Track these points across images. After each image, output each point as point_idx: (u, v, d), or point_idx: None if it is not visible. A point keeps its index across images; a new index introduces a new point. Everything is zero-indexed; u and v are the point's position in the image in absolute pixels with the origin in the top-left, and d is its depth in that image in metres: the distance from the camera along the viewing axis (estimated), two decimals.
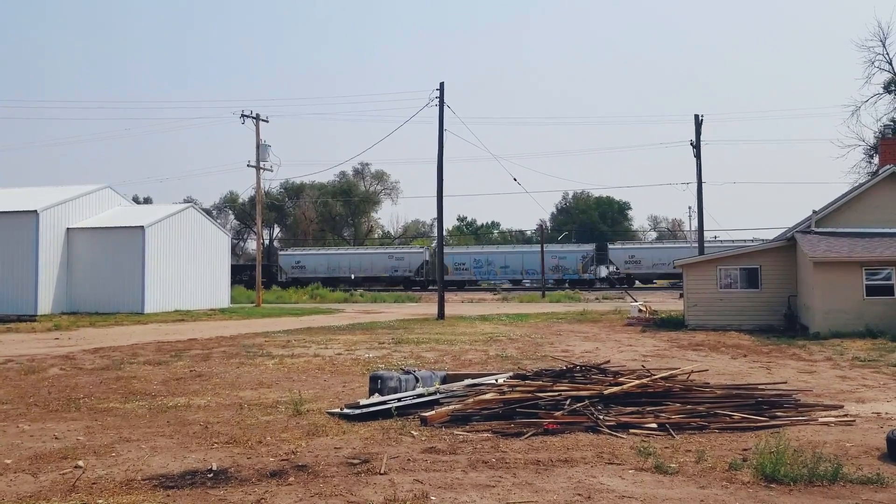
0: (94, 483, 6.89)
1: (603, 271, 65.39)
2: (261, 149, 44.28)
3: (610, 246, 66.03)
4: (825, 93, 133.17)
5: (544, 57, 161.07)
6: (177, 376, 14.33)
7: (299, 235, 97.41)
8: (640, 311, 29.82)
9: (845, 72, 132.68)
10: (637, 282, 61.86)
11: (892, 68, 44.31)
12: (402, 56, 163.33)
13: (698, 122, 39.73)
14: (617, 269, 63.28)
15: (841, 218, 24.54)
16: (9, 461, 7.77)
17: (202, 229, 40.51)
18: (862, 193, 24.80)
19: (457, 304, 44.12)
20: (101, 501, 6.32)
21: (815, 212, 25.09)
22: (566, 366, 11.46)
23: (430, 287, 65.41)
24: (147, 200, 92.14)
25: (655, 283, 62.95)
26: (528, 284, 67.12)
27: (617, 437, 8.56)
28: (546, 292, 54.31)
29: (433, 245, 70.15)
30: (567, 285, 61.72)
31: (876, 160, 38.79)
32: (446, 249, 70.80)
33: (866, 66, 45.16)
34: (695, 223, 54.98)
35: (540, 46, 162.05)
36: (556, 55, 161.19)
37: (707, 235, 49.97)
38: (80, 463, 7.60)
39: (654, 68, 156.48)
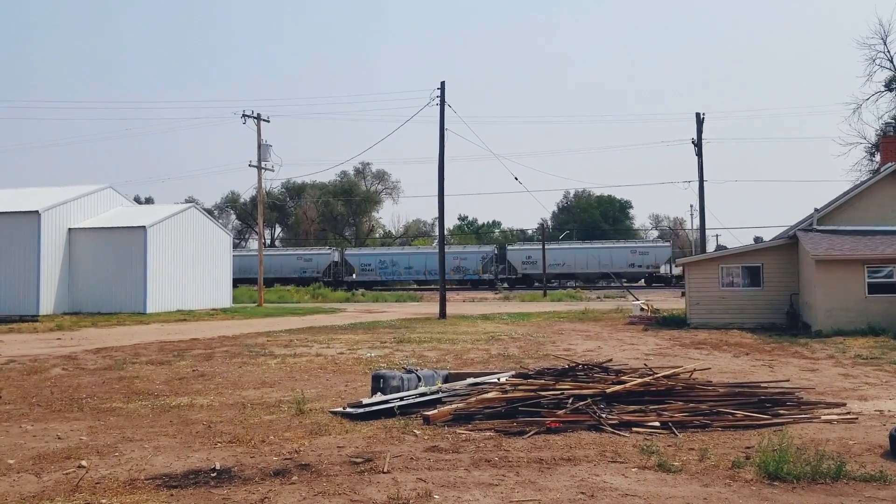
0: (97, 483, 6.90)
1: (502, 272, 68.74)
2: (262, 148, 44.29)
3: (508, 247, 69.17)
4: (826, 91, 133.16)
5: (545, 56, 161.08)
6: (179, 376, 14.34)
7: (301, 235, 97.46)
8: (641, 309, 29.83)
9: (846, 69, 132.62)
10: (536, 282, 64.82)
11: (894, 66, 44.24)
12: (404, 55, 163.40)
13: (700, 121, 39.73)
14: (515, 269, 66.15)
15: (843, 216, 24.52)
16: (12, 461, 7.78)
17: (204, 229, 40.51)
18: (864, 191, 24.78)
19: (458, 304, 44.13)
20: (104, 501, 6.33)
21: (816, 210, 25.07)
22: (568, 364, 11.45)
23: (338, 287, 66.69)
24: (148, 200, 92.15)
25: (553, 282, 65.89)
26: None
27: (620, 435, 8.57)
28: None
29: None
30: (469, 286, 64.55)
31: (877, 158, 38.71)
32: (352, 251, 72.09)
33: (867, 63, 45.03)
34: (696, 221, 54.96)
35: (540, 46, 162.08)
36: (557, 54, 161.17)
37: (708, 234, 50.02)
38: (84, 463, 7.60)
39: (655, 67, 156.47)
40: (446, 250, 68.28)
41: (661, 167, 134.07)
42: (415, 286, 67.90)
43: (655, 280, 64.01)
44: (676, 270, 64.89)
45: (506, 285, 64.75)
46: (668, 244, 66.98)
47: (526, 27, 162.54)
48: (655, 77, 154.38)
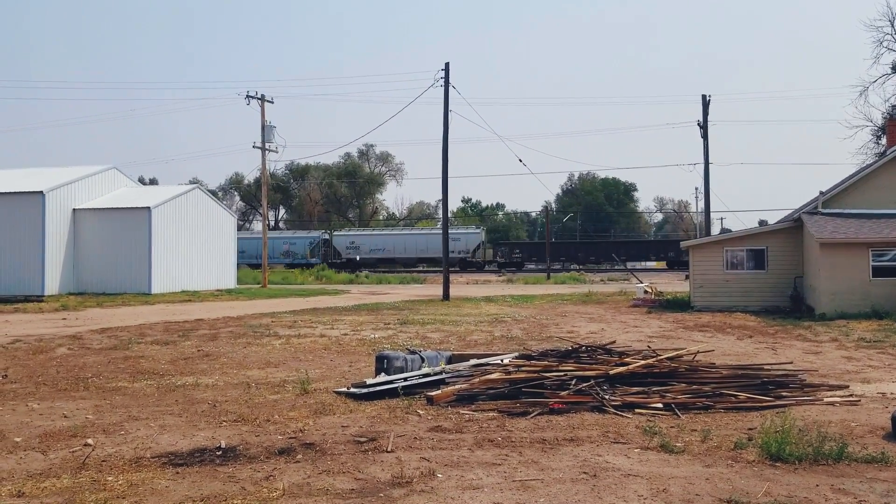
0: (103, 461, 6.96)
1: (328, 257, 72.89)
2: (266, 130, 44.17)
3: (335, 233, 73.70)
4: (833, 73, 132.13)
5: (550, 38, 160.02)
6: (184, 356, 14.41)
7: (304, 217, 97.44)
8: (645, 292, 29.79)
9: (854, 52, 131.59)
10: (363, 268, 67.99)
11: None
12: (409, 37, 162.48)
13: (706, 103, 39.52)
14: (340, 254, 70.23)
15: (848, 199, 24.41)
16: (18, 439, 7.85)
17: (208, 210, 40.53)
18: (869, 174, 24.65)
19: (462, 286, 44.17)
20: (110, 479, 6.38)
21: (822, 193, 24.97)
22: (572, 346, 11.47)
23: None
24: (153, 181, 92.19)
25: (378, 267, 69.02)
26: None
27: (622, 416, 8.60)
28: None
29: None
30: (299, 269, 67.21)
31: (883, 141, 38.54)
32: None
33: (875, 46, 44.65)
34: (701, 204, 54.84)
35: (546, 27, 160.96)
36: (563, 36, 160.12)
37: (713, 217, 49.95)
38: (90, 441, 7.66)
39: (661, 48, 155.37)
40: (276, 236, 71.88)
41: (666, 150, 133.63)
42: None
43: (468, 265, 66.37)
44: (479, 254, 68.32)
45: (334, 269, 68.40)
46: (479, 230, 69.18)
47: (531, 10, 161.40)
48: (661, 59, 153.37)
